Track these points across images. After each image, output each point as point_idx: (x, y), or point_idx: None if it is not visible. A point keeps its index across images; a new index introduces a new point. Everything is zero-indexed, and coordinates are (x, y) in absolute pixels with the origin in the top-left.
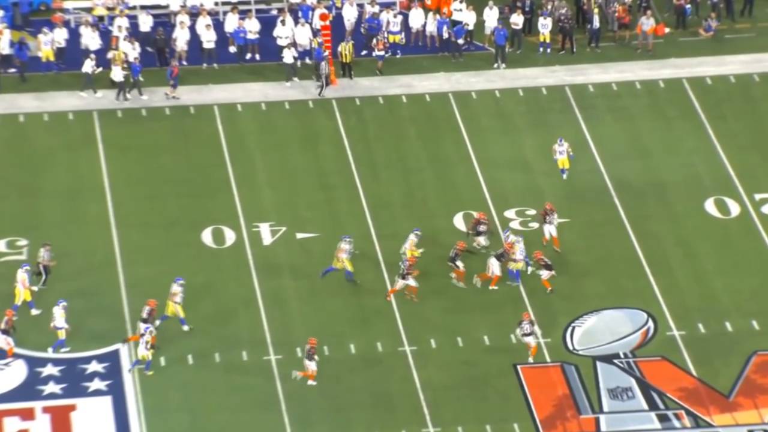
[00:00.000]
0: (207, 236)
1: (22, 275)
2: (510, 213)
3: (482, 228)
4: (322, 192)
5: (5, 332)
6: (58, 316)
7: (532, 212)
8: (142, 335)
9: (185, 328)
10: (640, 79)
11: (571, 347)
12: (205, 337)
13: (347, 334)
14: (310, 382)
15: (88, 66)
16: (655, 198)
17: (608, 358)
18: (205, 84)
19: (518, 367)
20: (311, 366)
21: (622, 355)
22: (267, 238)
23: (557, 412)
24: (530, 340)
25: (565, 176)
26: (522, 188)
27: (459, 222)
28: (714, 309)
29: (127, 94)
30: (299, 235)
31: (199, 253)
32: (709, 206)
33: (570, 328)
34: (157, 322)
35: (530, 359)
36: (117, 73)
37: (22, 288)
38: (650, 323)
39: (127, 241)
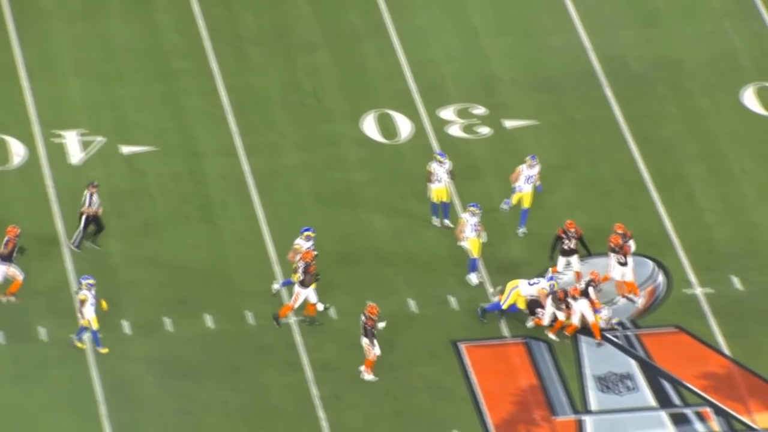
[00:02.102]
0: None
1: None
2: (447, 113)
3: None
4: (159, 82)
5: (5, 259)
6: None
7: (481, 111)
8: (81, 287)
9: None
10: None
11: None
12: None
13: (198, 299)
14: (367, 376)
15: None
16: (667, 87)
17: None
18: None
19: (460, 345)
20: (373, 349)
21: (617, 326)
22: (76, 154)
23: (520, 413)
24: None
25: (521, 230)
26: (466, 73)
27: (370, 128)
28: (756, 254)
29: None
30: (125, 149)
31: None
32: (749, 98)
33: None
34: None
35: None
36: None
37: None
38: (659, 277)
39: None
